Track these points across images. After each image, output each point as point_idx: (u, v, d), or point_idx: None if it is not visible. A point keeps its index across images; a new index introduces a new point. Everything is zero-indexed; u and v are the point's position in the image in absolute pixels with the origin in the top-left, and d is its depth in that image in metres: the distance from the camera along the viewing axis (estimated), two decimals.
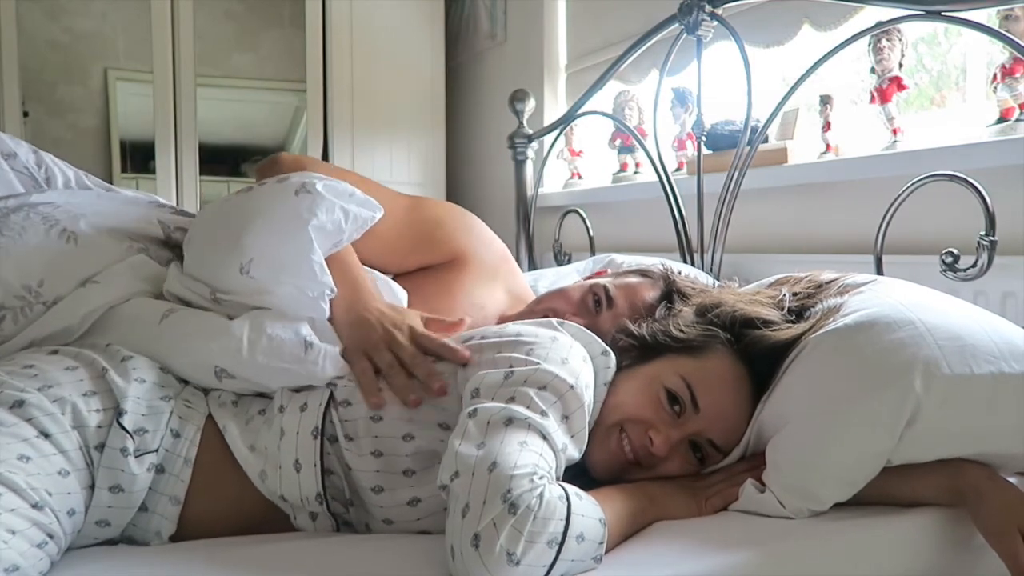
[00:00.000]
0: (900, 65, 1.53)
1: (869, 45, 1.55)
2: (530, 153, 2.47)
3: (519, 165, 2.48)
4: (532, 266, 2.46)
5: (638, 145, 2.17)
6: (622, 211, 2.29)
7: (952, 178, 1.25)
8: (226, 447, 0.88)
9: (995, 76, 1.37)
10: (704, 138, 1.81)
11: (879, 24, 1.46)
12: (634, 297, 1.15)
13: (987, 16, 1.38)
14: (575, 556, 0.68)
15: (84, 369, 0.85)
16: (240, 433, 0.89)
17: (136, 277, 1.02)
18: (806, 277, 1.08)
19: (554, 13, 2.71)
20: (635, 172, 2.32)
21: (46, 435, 0.77)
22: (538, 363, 0.83)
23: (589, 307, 1.14)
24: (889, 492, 0.87)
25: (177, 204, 2.09)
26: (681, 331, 0.95)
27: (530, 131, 2.43)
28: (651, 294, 1.16)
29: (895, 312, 0.91)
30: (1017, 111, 1.36)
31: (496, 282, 1.25)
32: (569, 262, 2.29)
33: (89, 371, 0.85)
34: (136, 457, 0.82)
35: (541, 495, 0.68)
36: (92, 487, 0.80)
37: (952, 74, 1.73)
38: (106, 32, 2.95)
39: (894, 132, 1.54)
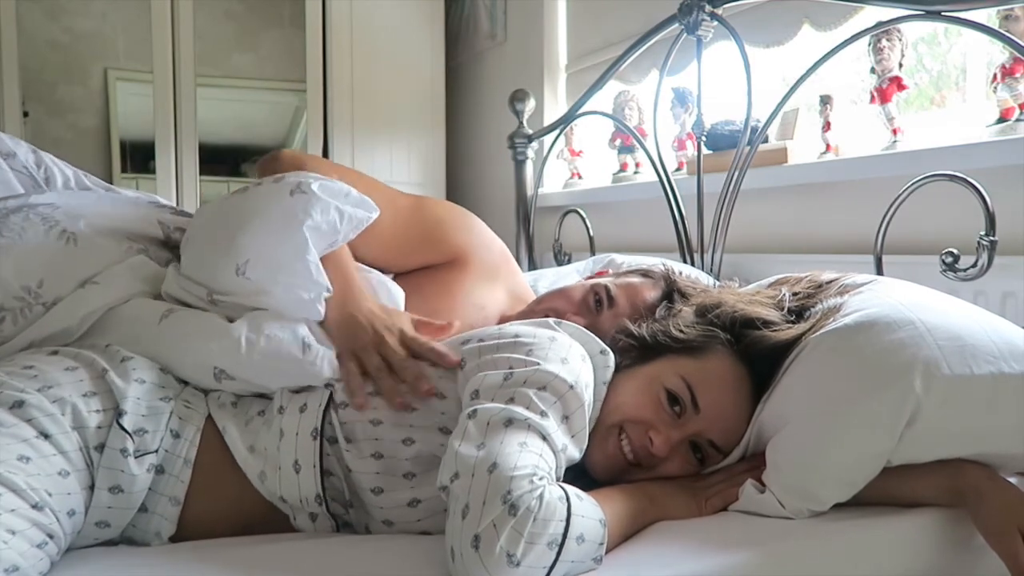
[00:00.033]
0: (900, 65, 1.53)
1: (869, 45, 1.55)
2: (530, 153, 2.47)
3: (519, 165, 2.48)
4: (532, 266, 2.46)
5: (638, 145, 2.17)
6: (622, 211, 2.29)
7: (952, 178, 1.25)
8: (226, 448, 0.88)
9: (995, 76, 1.37)
10: (704, 138, 1.81)
11: (879, 24, 1.46)
12: (635, 297, 1.15)
13: (987, 16, 1.38)
14: (575, 557, 0.68)
15: (84, 370, 0.85)
16: (240, 434, 0.89)
17: (136, 278, 1.02)
18: (806, 277, 1.08)
19: (554, 13, 2.71)
20: (635, 172, 2.32)
21: (46, 436, 0.77)
22: (538, 363, 0.83)
23: (590, 307, 1.14)
24: (889, 492, 0.87)
25: (177, 204, 2.09)
26: (681, 331, 0.95)
27: (530, 131, 2.43)
28: (652, 294, 1.16)
29: (895, 312, 0.90)
30: (1017, 111, 1.36)
31: (497, 282, 1.25)
32: (569, 262, 2.29)
33: (89, 372, 0.85)
34: (136, 458, 0.82)
35: (541, 496, 0.68)
36: (92, 488, 0.80)
37: (952, 74, 1.72)
38: (106, 32, 2.95)
39: (894, 132, 1.54)
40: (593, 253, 2.18)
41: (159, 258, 1.07)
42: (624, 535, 0.79)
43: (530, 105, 2.41)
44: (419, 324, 1.01)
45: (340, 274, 1.00)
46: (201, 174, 2.87)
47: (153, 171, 2.83)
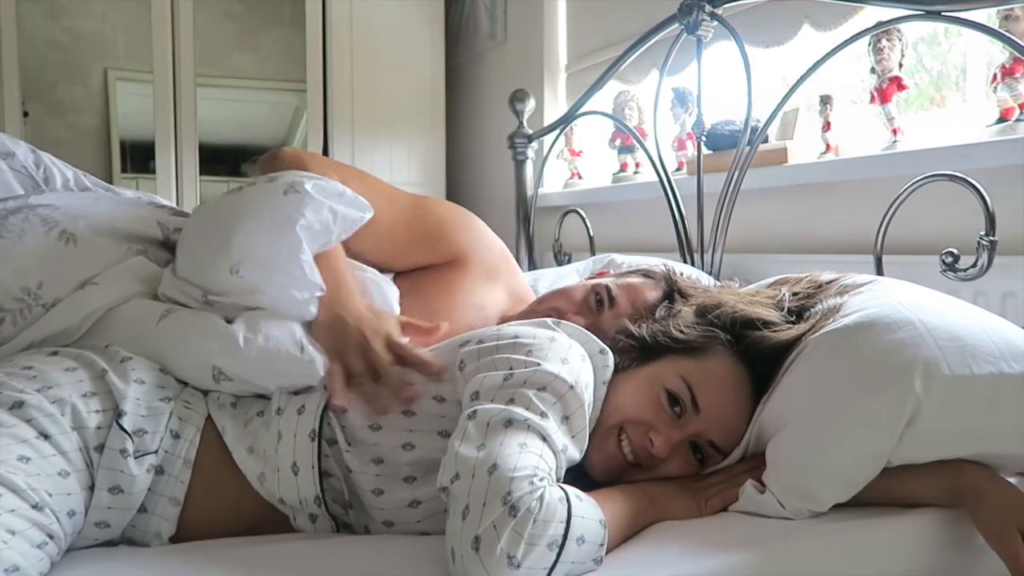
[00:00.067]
0: (900, 65, 1.53)
1: (869, 45, 1.55)
2: (530, 153, 2.47)
3: (519, 165, 2.48)
4: (532, 266, 2.46)
5: (638, 145, 2.17)
6: (622, 211, 2.29)
7: (952, 178, 1.25)
8: (225, 449, 0.88)
9: (995, 76, 1.37)
10: (704, 138, 1.81)
11: (879, 24, 1.46)
12: (636, 297, 1.15)
13: (987, 16, 1.38)
14: (575, 558, 0.68)
15: (84, 370, 0.85)
16: (239, 435, 0.89)
17: (135, 279, 1.02)
18: (806, 277, 1.08)
19: (554, 13, 2.71)
20: (635, 172, 2.32)
21: (46, 436, 0.77)
22: (538, 364, 0.83)
23: (591, 307, 1.14)
24: (889, 492, 0.87)
25: (177, 204, 2.09)
26: (681, 332, 0.95)
27: (530, 131, 2.43)
28: (653, 295, 1.16)
29: (895, 312, 0.90)
30: (1017, 111, 1.36)
31: (497, 282, 1.25)
32: (569, 262, 2.29)
33: (89, 372, 0.85)
34: (136, 458, 0.82)
35: (541, 497, 0.68)
36: (92, 488, 0.80)
37: (952, 74, 1.72)
38: (106, 32, 2.95)
39: (894, 132, 1.54)
40: (593, 253, 2.18)
41: (158, 259, 1.07)
42: (624, 536, 0.79)
43: (530, 105, 2.41)
44: (407, 327, 1.00)
45: (331, 274, 1.00)
46: (201, 174, 2.88)
47: (153, 171, 2.83)
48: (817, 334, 0.92)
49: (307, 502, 0.86)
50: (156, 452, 0.84)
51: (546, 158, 2.49)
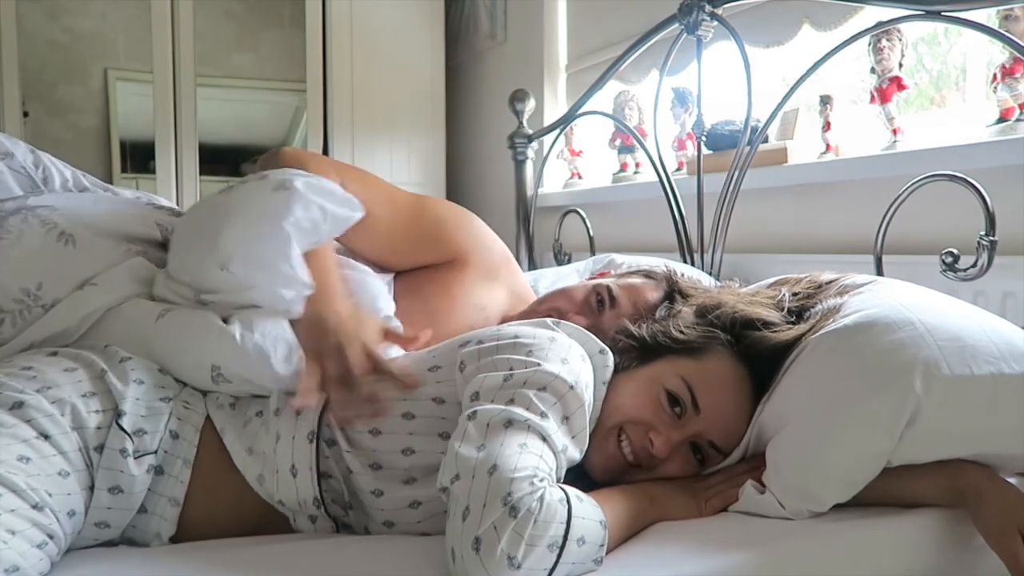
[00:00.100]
0: (900, 65, 1.53)
1: (869, 45, 1.54)
2: (530, 153, 2.47)
3: (519, 165, 2.48)
4: (532, 266, 2.46)
5: (638, 145, 2.17)
6: (622, 211, 2.29)
7: (952, 178, 1.25)
8: (225, 449, 0.88)
9: (995, 76, 1.37)
10: (704, 138, 1.81)
11: (879, 24, 1.46)
12: (637, 298, 1.15)
13: (987, 16, 1.38)
14: (576, 559, 0.68)
15: (83, 370, 0.85)
16: (238, 436, 0.89)
17: (134, 279, 1.01)
18: (806, 277, 1.08)
19: (554, 13, 2.71)
20: (635, 172, 2.32)
21: (46, 436, 0.77)
22: (538, 364, 0.83)
23: (592, 307, 1.14)
24: (889, 493, 0.87)
25: (177, 204, 2.09)
26: (681, 332, 0.95)
27: (530, 131, 2.43)
28: (654, 295, 1.16)
29: (895, 313, 0.90)
30: (1017, 111, 1.36)
31: (497, 282, 1.24)
32: (569, 262, 2.29)
33: (88, 372, 0.85)
34: (135, 458, 0.82)
35: (542, 498, 0.68)
36: (92, 488, 0.80)
37: (952, 74, 1.72)
38: (106, 32, 2.95)
39: (894, 132, 1.54)
40: (593, 253, 2.18)
41: (157, 260, 1.07)
42: (624, 536, 0.79)
43: (530, 105, 2.41)
44: (389, 335, 0.98)
45: (318, 273, 0.98)
46: (201, 174, 2.87)
47: (153, 171, 2.83)
48: (817, 334, 0.92)
49: (306, 504, 0.86)
50: (156, 452, 0.84)
51: (546, 158, 2.49)
